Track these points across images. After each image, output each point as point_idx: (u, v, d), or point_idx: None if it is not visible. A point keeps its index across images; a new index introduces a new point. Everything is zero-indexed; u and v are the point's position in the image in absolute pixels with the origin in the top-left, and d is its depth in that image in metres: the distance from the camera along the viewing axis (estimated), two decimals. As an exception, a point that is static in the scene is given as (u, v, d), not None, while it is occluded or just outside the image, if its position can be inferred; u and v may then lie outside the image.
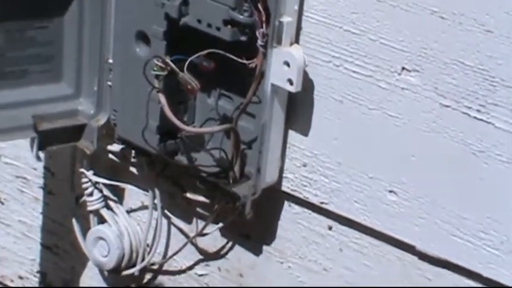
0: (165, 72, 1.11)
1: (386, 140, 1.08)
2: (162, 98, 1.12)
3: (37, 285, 1.52)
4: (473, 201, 1.03)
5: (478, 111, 1.01)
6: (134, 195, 1.34)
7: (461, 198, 1.04)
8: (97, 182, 1.32)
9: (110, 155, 1.31)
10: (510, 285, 1.03)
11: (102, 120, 1.23)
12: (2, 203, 1.49)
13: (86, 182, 1.31)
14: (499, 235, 1.02)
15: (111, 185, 1.32)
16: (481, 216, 1.03)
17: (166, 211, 1.29)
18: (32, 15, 1.21)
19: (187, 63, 1.09)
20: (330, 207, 1.15)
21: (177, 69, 1.10)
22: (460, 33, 0.99)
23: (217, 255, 1.27)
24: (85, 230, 1.36)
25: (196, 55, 1.09)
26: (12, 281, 1.55)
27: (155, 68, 1.11)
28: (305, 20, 1.09)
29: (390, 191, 1.09)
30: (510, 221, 1.02)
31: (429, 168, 1.06)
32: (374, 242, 1.14)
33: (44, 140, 1.23)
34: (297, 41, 1.09)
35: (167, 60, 1.11)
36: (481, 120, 1.01)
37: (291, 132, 1.15)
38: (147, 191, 1.30)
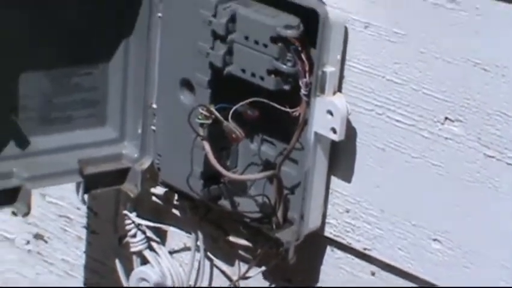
0: (210, 121, 1.12)
1: (429, 189, 1.08)
2: (207, 146, 1.13)
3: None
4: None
5: (523, 162, 1.01)
6: (176, 236, 1.34)
7: (504, 247, 1.04)
8: (140, 224, 1.32)
9: (154, 198, 1.32)
10: None
11: (146, 164, 1.24)
12: (46, 242, 1.51)
13: (130, 224, 1.32)
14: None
15: (154, 227, 1.32)
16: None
17: (208, 253, 1.30)
18: (78, 62, 1.22)
19: (231, 111, 1.09)
20: (373, 254, 1.15)
21: (222, 118, 1.10)
22: (503, 85, 1.00)
23: (260, 299, 1.27)
24: (128, 270, 1.36)
25: (241, 104, 1.09)
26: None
27: (200, 117, 1.12)
28: (348, 69, 1.10)
29: (434, 239, 1.09)
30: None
31: (473, 218, 1.06)
32: (417, 289, 1.13)
33: (89, 184, 1.23)
34: (340, 89, 1.10)
35: (212, 109, 1.11)
36: (525, 171, 1.01)
37: (333, 179, 1.15)
38: (190, 233, 1.30)
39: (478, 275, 1.07)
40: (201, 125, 1.13)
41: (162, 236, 1.36)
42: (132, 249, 1.34)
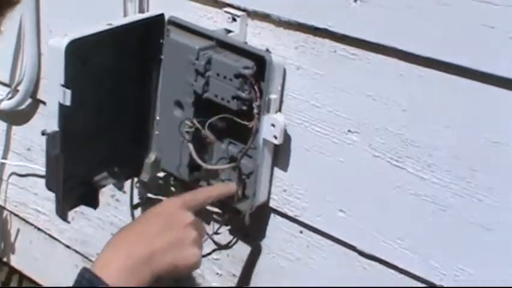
0: (193, 129, 1.14)
1: (338, 177, 1.10)
2: (190, 146, 1.15)
3: None
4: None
5: (396, 161, 1.03)
6: None
7: (380, 209, 1.07)
8: (149, 197, 1.30)
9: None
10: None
11: (152, 158, 1.24)
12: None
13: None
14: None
15: (157, 198, 1.31)
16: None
17: None
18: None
19: (207, 123, 1.12)
20: (301, 219, 1.16)
21: (201, 127, 1.13)
22: (383, 109, 1.02)
23: (227, 246, 1.28)
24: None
25: (214, 118, 1.11)
26: None
27: (186, 126, 1.15)
28: (285, 96, 1.11)
29: (340, 210, 1.11)
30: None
31: (364, 196, 1.08)
32: (329, 242, 1.15)
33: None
34: (280, 110, 1.12)
35: (194, 121, 1.14)
36: (398, 167, 1.03)
37: (275, 169, 1.16)
38: None
39: (371, 234, 1.09)
40: (187, 132, 1.15)
41: None
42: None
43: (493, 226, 0.96)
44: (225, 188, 1.14)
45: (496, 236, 0.96)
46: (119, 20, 1.16)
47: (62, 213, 1.12)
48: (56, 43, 1.04)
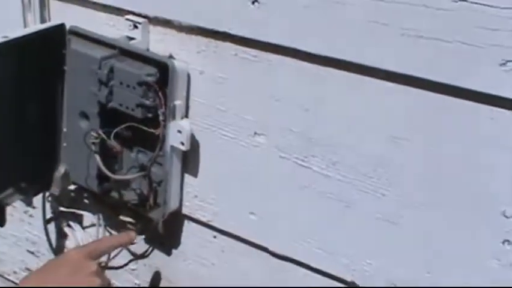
0: (98, 140, 1.12)
1: (246, 179, 1.10)
2: (97, 157, 1.13)
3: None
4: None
5: (302, 160, 1.04)
6: (86, 218, 1.33)
7: (290, 209, 1.07)
8: (62, 210, 1.30)
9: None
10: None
11: (62, 170, 1.21)
12: None
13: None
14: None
15: (70, 212, 1.31)
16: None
17: (107, 227, 1.29)
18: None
19: (113, 133, 1.10)
20: (214, 224, 1.16)
21: (106, 137, 1.11)
22: (288, 112, 1.02)
23: (143, 256, 1.27)
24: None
25: (119, 127, 1.10)
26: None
27: (91, 137, 1.13)
28: (191, 101, 1.11)
29: (251, 213, 1.11)
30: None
31: (273, 195, 1.08)
32: (242, 245, 1.14)
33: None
34: (187, 115, 1.11)
35: (100, 132, 1.12)
36: (304, 166, 1.04)
37: (186, 175, 1.15)
38: (94, 214, 1.29)
39: (290, 238, 1.09)
40: (93, 143, 1.13)
41: (79, 217, 1.33)
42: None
43: (397, 220, 0.97)
44: (125, 237, 1.16)
45: (400, 229, 0.97)
46: (17, 32, 1.13)
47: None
48: (-51, 58, 1.01)
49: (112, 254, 1.28)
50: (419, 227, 0.96)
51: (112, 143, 1.10)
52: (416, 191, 0.95)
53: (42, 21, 1.24)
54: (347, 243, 1.03)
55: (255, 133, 1.07)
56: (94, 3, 1.17)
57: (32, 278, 1.04)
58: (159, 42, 1.12)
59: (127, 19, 1.13)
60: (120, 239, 1.16)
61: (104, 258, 1.27)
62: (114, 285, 1.32)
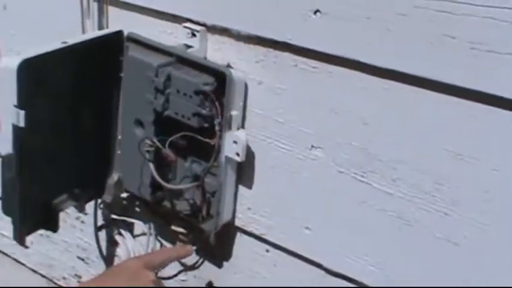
0: (153, 148, 1.11)
1: (302, 194, 1.08)
2: (151, 166, 1.12)
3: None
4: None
5: (361, 176, 1.01)
6: (138, 226, 1.31)
7: (346, 225, 1.04)
8: (113, 218, 1.29)
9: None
10: None
11: (115, 178, 1.21)
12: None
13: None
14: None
15: (122, 220, 1.30)
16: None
17: (158, 237, 1.28)
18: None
19: (168, 142, 1.09)
20: (267, 237, 1.14)
21: (161, 146, 1.10)
22: (349, 123, 1.00)
23: (193, 267, 1.25)
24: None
25: (175, 136, 1.08)
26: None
27: (146, 146, 1.11)
28: (248, 112, 1.09)
29: (306, 227, 1.09)
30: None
31: (330, 210, 1.05)
32: (295, 260, 1.12)
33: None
34: (243, 126, 1.09)
35: (155, 140, 1.11)
36: (363, 182, 1.01)
37: (240, 187, 1.14)
38: (145, 224, 1.28)
39: (339, 251, 1.07)
40: (147, 151, 1.12)
41: (130, 226, 1.32)
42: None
43: (459, 240, 0.94)
44: (183, 250, 1.16)
45: (463, 250, 0.94)
46: (76, 38, 1.13)
47: (19, 238, 1.08)
48: (8, 63, 1.01)
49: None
50: (481, 249, 0.92)
51: (167, 151, 1.09)
52: (481, 212, 0.91)
53: (100, 27, 1.23)
54: (405, 263, 0.99)
55: (312, 146, 1.05)
56: (152, 10, 1.16)
57: (89, 283, 1.03)
58: (216, 51, 1.11)
59: (185, 27, 1.12)
60: (178, 252, 1.16)
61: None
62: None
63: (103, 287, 1.01)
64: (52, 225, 1.15)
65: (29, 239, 1.13)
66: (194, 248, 1.19)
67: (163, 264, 1.13)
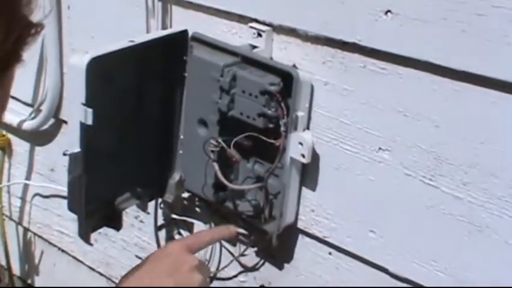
0: (218, 148, 1.10)
1: (368, 196, 1.06)
2: (216, 166, 1.11)
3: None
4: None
5: (430, 179, 0.99)
6: (197, 226, 1.31)
7: (413, 229, 1.02)
8: (173, 218, 1.29)
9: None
10: None
11: (176, 178, 1.21)
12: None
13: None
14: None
15: (182, 219, 1.30)
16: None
17: None
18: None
19: (232, 142, 1.08)
20: (330, 240, 1.13)
21: (226, 146, 1.09)
22: (417, 126, 0.98)
23: (253, 268, 1.25)
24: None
25: (239, 136, 1.08)
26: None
27: (211, 146, 1.11)
28: (313, 113, 1.08)
29: (371, 231, 1.07)
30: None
31: (396, 215, 1.04)
32: (359, 264, 1.11)
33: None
34: (308, 127, 1.08)
35: (219, 140, 1.10)
36: (432, 185, 0.99)
37: (303, 188, 1.13)
38: (206, 224, 1.28)
39: (401, 256, 1.05)
40: (212, 151, 1.11)
41: (190, 226, 1.32)
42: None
43: (533, 247, 0.92)
44: (225, 230, 1.13)
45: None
46: (142, 37, 1.13)
47: (84, 235, 1.09)
48: (77, 61, 1.01)
49: (222, 265, 1.27)
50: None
51: (232, 152, 1.09)
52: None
53: (164, 27, 1.24)
54: (475, 269, 0.97)
55: (380, 148, 1.03)
56: (217, 10, 1.16)
57: (136, 270, 0.99)
58: (282, 51, 1.10)
59: (251, 27, 1.11)
60: (220, 232, 1.13)
61: (213, 269, 1.26)
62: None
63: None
64: (116, 223, 1.15)
65: (93, 236, 1.13)
66: (237, 230, 1.16)
67: (207, 245, 1.11)
